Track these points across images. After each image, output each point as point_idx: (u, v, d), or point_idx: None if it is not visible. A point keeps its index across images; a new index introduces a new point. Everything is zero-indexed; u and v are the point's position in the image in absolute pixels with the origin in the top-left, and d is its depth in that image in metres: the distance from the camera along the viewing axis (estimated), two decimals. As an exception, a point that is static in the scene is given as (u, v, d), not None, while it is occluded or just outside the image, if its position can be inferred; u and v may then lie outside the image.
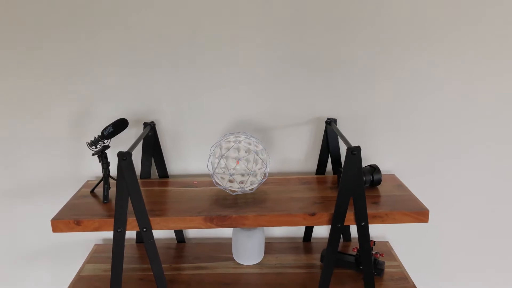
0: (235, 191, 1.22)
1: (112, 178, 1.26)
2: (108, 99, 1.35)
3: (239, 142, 1.18)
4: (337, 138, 1.36)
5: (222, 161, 1.17)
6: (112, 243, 1.49)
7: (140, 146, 1.39)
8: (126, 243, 1.47)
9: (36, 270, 1.55)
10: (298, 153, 1.42)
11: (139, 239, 1.48)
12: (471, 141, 1.40)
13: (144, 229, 1.11)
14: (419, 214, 1.13)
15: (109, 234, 1.50)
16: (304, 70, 1.33)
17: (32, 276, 1.56)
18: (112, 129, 1.15)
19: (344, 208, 1.11)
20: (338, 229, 1.13)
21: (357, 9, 1.27)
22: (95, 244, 1.48)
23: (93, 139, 1.22)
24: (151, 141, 1.35)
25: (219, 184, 1.20)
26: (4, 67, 1.32)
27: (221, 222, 1.12)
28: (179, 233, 1.48)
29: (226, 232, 1.51)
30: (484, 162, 1.43)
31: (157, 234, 1.51)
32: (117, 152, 1.36)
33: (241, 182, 1.17)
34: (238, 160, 1.17)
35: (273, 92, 1.35)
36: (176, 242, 1.49)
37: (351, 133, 1.39)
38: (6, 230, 1.50)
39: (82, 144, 1.40)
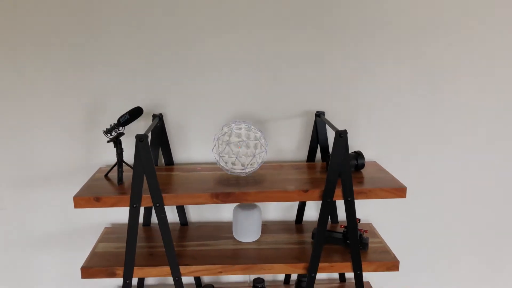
0: (237, 172, 1.37)
1: (125, 163, 1.40)
2: (118, 93, 1.50)
3: (241, 129, 1.34)
4: (326, 129, 1.52)
5: (226, 146, 1.32)
6: (120, 225, 1.64)
7: (154, 135, 1.54)
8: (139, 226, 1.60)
9: (49, 253, 1.67)
10: (290, 143, 1.58)
11: (146, 222, 1.61)
12: (445, 133, 1.59)
13: (157, 205, 1.26)
14: (398, 190, 1.30)
15: (117, 218, 1.63)
16: (295, 69, 1.50)
17: (46, 259, 1.68)
18: (128, 116, 1.29)
19: (333, 184, 1.27)
20: (328, 204, 1.29)
21: (341, 19, 1.46)
22: (105, 227, 1.61)
23: (108, 127, 1.36)
24: (158, 131, 1.50)
25: (223, 167, 1.36)
26: (22, 61, 1.46)
27: (226, 198, 1.27)
28: (182, 217, 1.61)
29: (225, 215, 1.65)
30: (459, 152, 1.61)
31: (168, 216, 1.64)
32: (128, 141, 1.52)
33: (243, 165, 1.33)
34: (240, 145, 1.33)
35: (268, 88, 1.52)
36: (180, 225, 1.62)
37: (337, 124, 1.56)
38: (21, 216, 1.62)
39: (94, 134, 1.53)
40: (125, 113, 1.30)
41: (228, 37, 1.46)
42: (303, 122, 1.56)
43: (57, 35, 1.44)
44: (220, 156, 1.34)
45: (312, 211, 1.66)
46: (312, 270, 1.35)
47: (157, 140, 1.50)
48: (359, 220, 1.45)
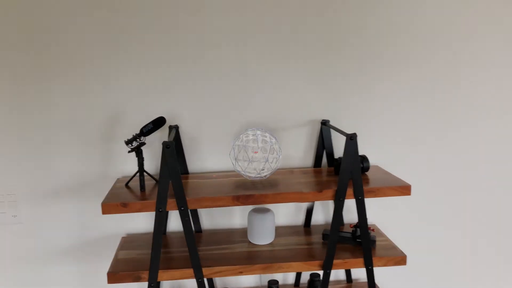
0: (253, 177, 1.46)
1: (146, 172, 1.47)
2: (134, 107, 1.58)
3: (257, 135, 1.43)
4: (330, 136, 1.64)
5: (243, 151, 1.41)
6: (136, 235, 1.70)
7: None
8: (148, 235, 1.66)
9: (65, 266, 1.69)
10: (297, 151, 1.68)
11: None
12: (443, 138, 1.72)
13: (182, 208, 1.33)
14: (403, 188, 1.41)
15: (131, 228, 1.68)
16: (301, 81, 1.61)
17: (62, 272, 1.70)
18: (152, 126, 1.37)
19: (345, 184, 1.37)
20: (341, 203, 1.38)
21: (344, 32, 1.59)
22: (122, 237, 1.65)
23: (130, 138, 1.43)
24: (175, 143, 1.57)
25: (240, 172, 1.44)
26: (40, 76, 1.53)
27: (246, 200, 1.35)
28: (196, 224, 1.68)
29: (236, 222, 1.72)
30: (456, 156, 1.74)
31: (177, 226, 1.70)
32: (145, 152, 1.59)
33: (258, 169, 1.42)
34: (256, 150, 1.42)
35: (275, 99, 1.63)
36: (194, 232, 1.69)
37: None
38: (37, 229, 1.65)
39: (110, 146, 1.60)
40: (149, 123, 1.38)
41: (238, 53, 1.57)
42: (308, 131, 1.67)
43: (77, 51, 1.52)
44: (236, 160, 1.43)
45: (319, 215, 1.75)
46: (327, 267, 1.43)
47: (173, 151, 1.58)
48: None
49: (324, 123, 1.62)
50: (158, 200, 1.31)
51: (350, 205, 1.74)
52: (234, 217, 1.72)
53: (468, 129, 1.72)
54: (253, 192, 1.36)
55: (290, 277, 1.81)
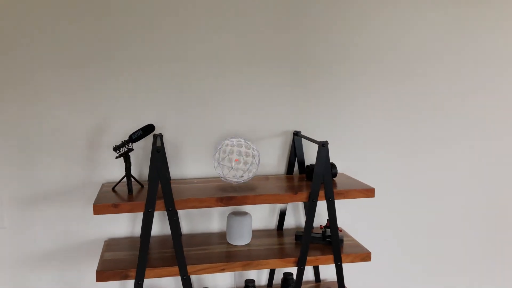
0: (233, 181, 1.58)
1: (132, 176, 1.55)
2: (119, 116, 1.67)
3: (239, 144, 1.57)
4: (302, 146, 1.79)
5: (226, 156, 1.54)
6: (118, 239, 1.77)
7: (148, 155, 1.71)
8: (134, 238, 1.74)
9: (48, 271, 1.73)
10: (271, 159, 1.83)
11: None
12: (407, 146, 1.92)
13: (170, 209, 1.43)
14: (368, 191, 1.58)
15: (112, 233, 1.75)
16: (275, 96, 1.77)
17: (45, 277, 1.74)
18: (141, 133, 1.47)
19: (318, 187, 1.52)
20: (314, 204, 1.53)
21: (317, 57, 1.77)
22: (105, 241, 1.72)
23: (118, 144, 1.52)
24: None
25: (221, 175, 1.56)
26: (25, 81, 1.60)
27: (228, 201, 1.48)
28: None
29: (214, 226, 1.83)
30: (408, 163, 1.94)
31: (159, 230, 1.79)
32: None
33: (240, 176, 1.55)
34: (237, 158, 1.55)
35: (253, 112, 1.77)
36: (174, 236, 1.78)
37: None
38: (20, 234, 1.69)
39: (93, 153, 1.68)
40: (138, 130, 1.48)
41: (219, 69, 1.72)
42: (281, 141, 1.82)
43: (65, 57, 1.61)
44: (219, 164, 1.55)
45: (291, 219, 1.89)
46: (302, 263, 1.57)
47: (156, 158, 1.68)
48: (335, 220, 1.71)
49: (296, 134, 1.78)
50: (148, 201, 1.41)
51: (319, 208, 1.89)
52: (213, 221, 1.83)
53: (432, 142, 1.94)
54: (235, 194, 1.49)
55: (263, 279, 1.93)
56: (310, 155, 1.85)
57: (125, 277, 1.46)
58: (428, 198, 2.00)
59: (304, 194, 1.53)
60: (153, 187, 1.40)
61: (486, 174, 2.03)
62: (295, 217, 1.90)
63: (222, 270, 1.53)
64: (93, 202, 1.69)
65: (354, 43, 1.80)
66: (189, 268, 1.50)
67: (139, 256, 1.43)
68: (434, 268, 2.07)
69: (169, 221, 1.44)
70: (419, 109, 1.91)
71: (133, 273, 1.47)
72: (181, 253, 1.46)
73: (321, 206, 1.90)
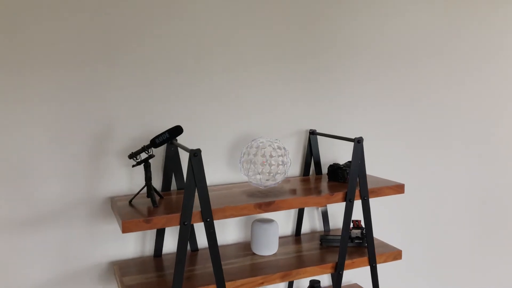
0: (267, 185, 1.46)
1: (153, 187, 1.36)
2: (124, 118, 1.47)
3: (269, 144, 1.45)
4: (318, 145, 1.71)
5: (253, 157, 1.41)
6: (127, 260, 1.56)
7: (161, 163, 1.52)
8: (145, 258, 1.52)
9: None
10: (286, 161, 1.73)
11: (157, 252, 1.54)
12: (425, 145, 1.92)
13: (208, 220, 1.27)
14: (398, 187, 1.54)
15: (116, 255, 1.52)
16: (290, 94, 1.68)
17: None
18: (167, 136, 1.29)
19: (354, 186, 1.45)
20: (350, 204, 1.46)
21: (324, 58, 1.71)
22: (114, 265, 1.49)
23: (136, 150, 1.33)
24: (172, 157, 1.50)
25: (253, 182, 1.43)
26: (14, 88, 1.35)
27: (267, 207, 1.35)
28: (193, 243, 1.59)
29: (229, 238, 1.68)
30: (433, 162, 1.95)
31: (171, 247, 1.60)
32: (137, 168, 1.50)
33: (272, 179, 1.43)
34: (264, 160, 1.43)
35: (268, 111, 1.66)
36: (190, 251, 1.59)
37: (325, 140, 1.77)
38: (11, 263, 1.40)
39: (96, 164, 1.45)
40: (163, 132, 1.30)
41: (230, 76, 1.59)
42: (295, 141, 1.73)
43: (63, 62, 1.38)
44: (246, 167, 1.42)
45: (307, 226, 1.80)
46: (340, 268, 1.48)
47: (171, 166, 1.50)
48: (360, 221, 1.65)
49: (312, 132, 1.70)
50: (184, 213, 1.24)
51: (335, 210, 1.83)
52: (228, 232, 1.67)
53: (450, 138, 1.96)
54: (273, 199, 1.37)
55: (280, 289, 1.81)
56: (327, 155, 1.78)
57: (158, 302, 1.27)
58: (436, 198, 2.02)
59: (340, 195, 1.45)
60: (189, 196, 1.23)
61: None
62: (310, 222, 1.80)
63: (261, 284, 1.39)
64: (98, 219, 1.47)
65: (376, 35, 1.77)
66: (229, 285, 1.34)
67: (175, 275, 1.24)
68: (441, 263, 2.10)
69: (206, 233, 1.27)
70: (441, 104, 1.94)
71: (166, 296, 1.28)
72: (219, 269, 1.30)
73: (337, 207, 1.83)
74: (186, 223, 1.25)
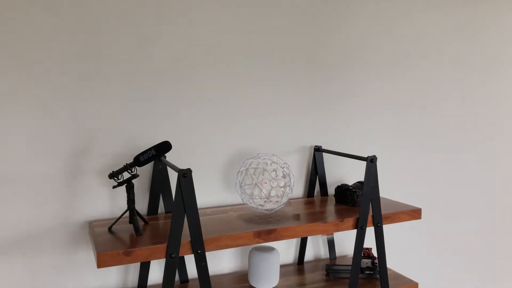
0: (267, 209, 1.29)
1: (137, 212, 1.18)
2: (106, 133, 1.30)
3: (270, 162, 1.28)
4: (323, 163, 1.54)
5: (250, 183, 1.24)
6: None
7: (147, 183, 1.34)
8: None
9: None
10: (287, 181, 1.55)
11: (141, 285, 1.35)
12: (435, 162, 1.75)
13: (199, 251, 1.09)
14: (414, 212, 1.37)
15: (100, 286, 1.34)
16: (289, 110, 1.51)
17: None
18: (154, 153, 1.11)
19: (367, 211, 1.28)
20: (362, 232, 1.28)
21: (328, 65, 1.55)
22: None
23: (118, 169, 1.16)
24: (159, 176, 1.32)
25: (252, 205, 1.26)
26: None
27: (268, 235, 1.17)
28: (183, 274, 1.40)
29: (224, 267, 1.49)
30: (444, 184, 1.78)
31: (157, 278, 1.41)
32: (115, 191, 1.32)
33: (273, 202, 1.26)
34: (266, 181, 1.26)
35: (267, 126, 1.49)
36: (179, 283, 1.41)
37: (329, 158, 1.60)
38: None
39: (75, 184, 1.28)
40: (149, 149, 1.12)
41: (232, 85, 1.43)
42: (298, 158, 1.55)
43: (36, 72, 1.21)
44: (244, 188, 1.25)
45: (309, 253, 1.62)
46: (351, 303, 1.30)
47: (158, 186, 1.32)
48: (371, 249, 1.47)
49: (317, 149, 1.53)
50: (170, 243, 1.06)
51: (342, 235, 1.65)
52: (222, 261, 1.49)
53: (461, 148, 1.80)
54: (273, 227, 1.19)
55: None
56: (333, 174, 1.61)
57: None
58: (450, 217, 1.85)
59: (351, 221, 1.28)
60: (177, 223, 1.06)
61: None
62: (314, 249, 1.62)
63: (261, 324, 1.21)
64: (74, 246, 1.28)
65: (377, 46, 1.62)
66: (222, 327, 1.16)
67: (159, 318, 1.07)
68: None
69: (197, 266, 1.09)
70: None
71: None
72: (211, 308, 1.12)
73: (340, 233, 1.65)
74: (173, 256, 1.06)
